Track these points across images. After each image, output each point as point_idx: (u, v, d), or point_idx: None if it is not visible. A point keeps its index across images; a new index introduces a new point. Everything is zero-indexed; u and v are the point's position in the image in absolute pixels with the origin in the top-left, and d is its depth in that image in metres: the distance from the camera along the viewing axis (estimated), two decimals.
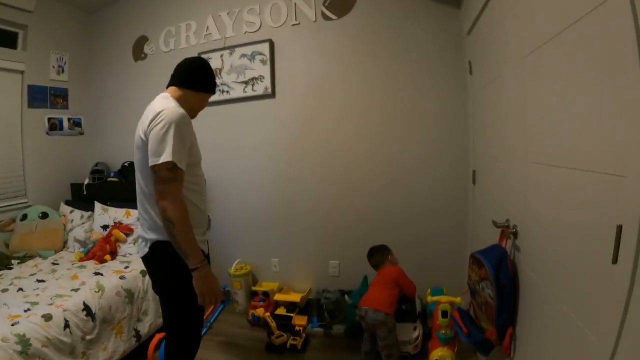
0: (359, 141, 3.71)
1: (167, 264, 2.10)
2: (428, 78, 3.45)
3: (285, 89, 3.96)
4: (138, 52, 4.73)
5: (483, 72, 2.79)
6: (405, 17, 3.50)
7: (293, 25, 3.88)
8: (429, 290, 3.36)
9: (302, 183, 3.98)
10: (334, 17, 3.72)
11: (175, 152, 1.89)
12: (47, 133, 4.72)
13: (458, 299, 2.86)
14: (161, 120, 1.92)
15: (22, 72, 4.38)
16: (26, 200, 4.45)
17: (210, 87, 2.36)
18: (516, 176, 1.96)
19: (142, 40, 4.71)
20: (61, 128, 4.88)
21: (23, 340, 2.41)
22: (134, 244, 3.96)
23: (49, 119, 4.73)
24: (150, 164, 1.92)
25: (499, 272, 1.92)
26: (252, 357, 3.31)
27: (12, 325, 2.50)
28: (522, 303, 1.91)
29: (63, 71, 4.87)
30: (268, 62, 3.92)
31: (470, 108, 3.29)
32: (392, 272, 3.04)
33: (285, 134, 3.99)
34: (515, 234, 1.97)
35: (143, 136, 1.98)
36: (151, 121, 1.94)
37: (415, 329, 3.13)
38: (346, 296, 3.53)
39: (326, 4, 3.73)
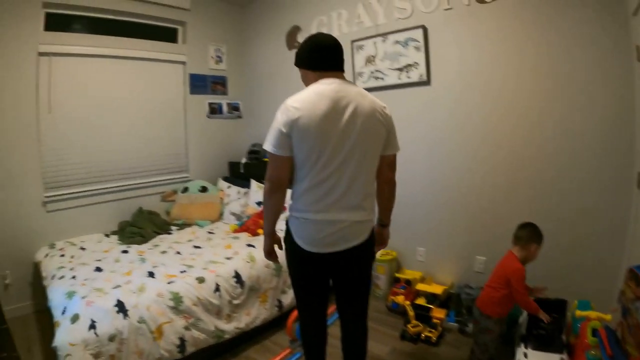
0: (513, 132, 3.42)
1: (373, 241, 2.26)
2: (589, 65, 3.09)
3: (441, 76, 3.76)
4: (292, 41, 4.88)
5: None
6: None
7: (445, 9, 3.66)
8: (576, 302, 3.01)
9: (456, 172, 3.77)
10: None
11: None
12: (208, 116, 5.20)
13: (609, 317, 2.53)
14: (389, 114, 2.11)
15: (183, 63, 4.96)
16: (188, 175, 5.01)
17: None
18: None
19: (295, 30, 4.85)
20: (221, 112, 5.33)
21: (176, 297, 2.69)
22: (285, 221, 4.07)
23: (210, 103, 5.21)
24: (394, 152, 2.18)
25: None
26: (385, 343, 3.26)
27: (168, 283, 2.80)
28: None
29: (221, 60, 5.33)
30: (422, 49, 3.75)
31: (638, 100, 2.91)
32: (509, 269, 2.67)
33: (440, 121, 3.80)
34: None
35: (386, 123, 2.07)
36: (386, 114, 2.07)
37: None
38: None
39: None
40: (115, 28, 4.39)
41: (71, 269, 3.07)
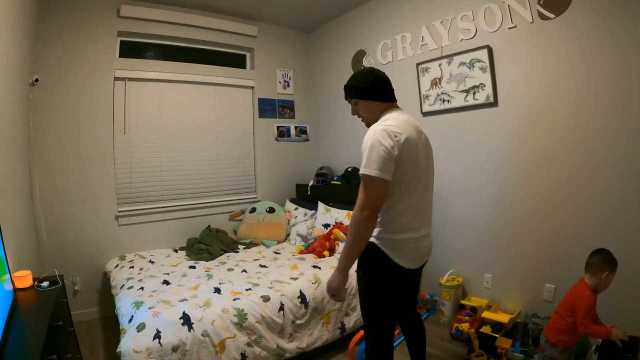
0: (586, 152, 3.23)
1: None
2: None
3: (508, 96, 3.64)
4: (357, 65, 4.94)
5: None
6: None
7: (510, 28, 3.56)
8: None
9: (524, 196, 3.60)
10: (551, 15, 3.32)
11: None
12: (276, 139, 5.36)
13: None
14: None
15: (252, 88, 5.20)
16: (256, 195, 5.18)
17: None
18: None
19: (360, 54, 4.92)
20: (289, 135, 5.46)
21: (241, 314, 2.74)
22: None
23: (278, 127, 5.36)
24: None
25: None
26: None
27: (234, 300, 2.86)
28: None
29: (289, 85, 5.52)
30: (488, 70, 3.67)
31: None
32: (576, 295, 2.54)
33: (507, 142, 3.66)
34: None
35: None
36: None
37: None
38: None
39: (541, 2, 3.33)
40: (186, 54, 4.68)
41: (140, 280, 3.21)
